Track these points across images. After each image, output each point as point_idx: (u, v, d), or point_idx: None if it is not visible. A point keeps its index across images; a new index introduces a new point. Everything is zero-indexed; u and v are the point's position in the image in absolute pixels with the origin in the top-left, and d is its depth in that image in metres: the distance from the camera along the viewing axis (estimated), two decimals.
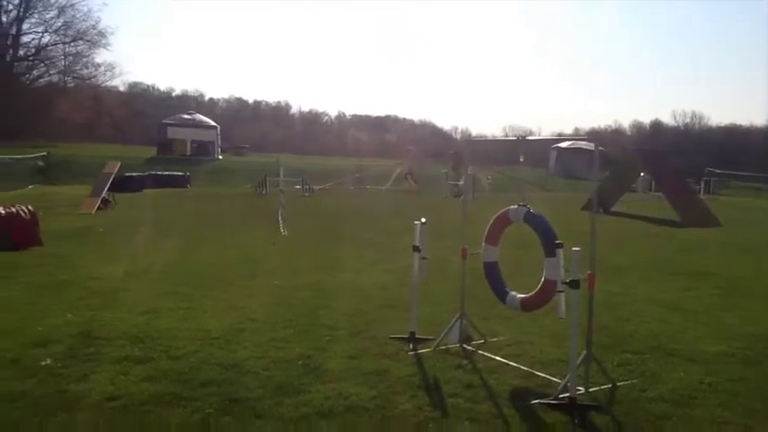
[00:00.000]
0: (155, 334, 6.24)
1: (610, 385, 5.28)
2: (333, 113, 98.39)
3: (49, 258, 10.07)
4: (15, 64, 59.80)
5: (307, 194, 25.49)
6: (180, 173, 29.13)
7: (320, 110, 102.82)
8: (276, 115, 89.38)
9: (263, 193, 25.18)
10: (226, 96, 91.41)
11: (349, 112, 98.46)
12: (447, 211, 19.52)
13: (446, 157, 32.21)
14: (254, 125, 78.20)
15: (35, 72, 61.60)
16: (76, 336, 6.10)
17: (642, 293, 8.94)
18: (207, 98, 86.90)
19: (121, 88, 75.28)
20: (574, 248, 4.78)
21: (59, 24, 59.36)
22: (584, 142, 47.22)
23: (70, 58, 61.57)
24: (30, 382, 4.90)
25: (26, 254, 10.34)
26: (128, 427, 4.23)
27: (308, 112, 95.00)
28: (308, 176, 27.18)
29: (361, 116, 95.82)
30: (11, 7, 58.08)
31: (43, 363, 5.33)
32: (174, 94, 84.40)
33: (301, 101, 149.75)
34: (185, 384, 4.97)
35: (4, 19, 58.26)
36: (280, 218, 14.69)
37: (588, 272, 5.14)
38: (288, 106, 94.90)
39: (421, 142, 62.14)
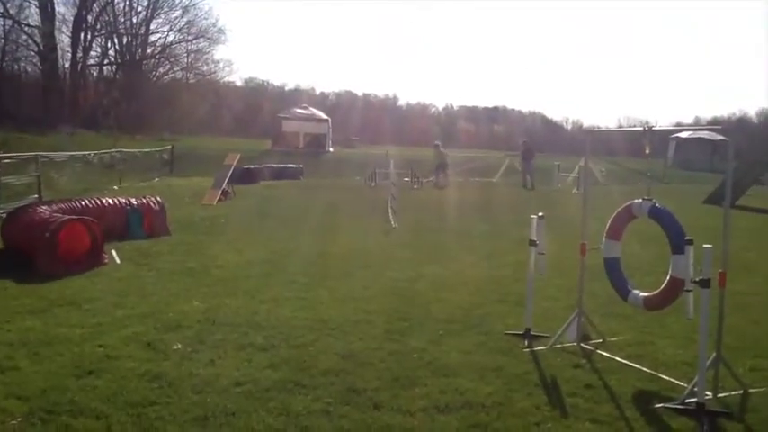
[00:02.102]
0: (275, 322, 6.49)
1: (741, 391, 4.99)
2: (440, 105, 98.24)
3: (177, 247, 10.66)
4: (144, 62, 63.63)
5: (416, 187, 25.57)
6: (294, 165, 30.01)
7: (427, 102, 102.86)
8: (384, 107, 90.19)
9: (373, 185, 25.51)
10: (336, 90, 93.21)
11: (457, 104, 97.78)
12: (562, 205, 19.08)
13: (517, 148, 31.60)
14: (363, 117, 79.31)
15: (161, 69, 65.25)
16: (204, 322, 6.44)
17: None
18: (318, 92, 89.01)
19: (238, 83, 78.55)
20: (705, 245, 4.54)
21: (183, 23, 62.59)
22: (705, 132, 44.69)
23: (192, 55, 64.70)
24: (164, 365, 5.23)
25: (156, 242, 10.99)
26: (253, 412, 4.42)
27: (415, 104, 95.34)
28: (417, 168, 27.26)
29: (468, 107, 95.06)
30: (140, 9, 61.92)
31: (174, 347, 5.66)
32: (287, 89, 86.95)
33: (409, 93, 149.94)
34: (305, 373, 5.14)
35: (134, 20, 62.11)
36: (390, 210, 14.83)
37: (720, 270, 4.87)
38: (396, 98, 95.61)
39: (530, 133, 60.77)
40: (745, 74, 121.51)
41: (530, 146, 28.89)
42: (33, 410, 4.33)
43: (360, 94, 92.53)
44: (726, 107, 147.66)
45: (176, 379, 4.92)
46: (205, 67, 65.61)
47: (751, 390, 5.01)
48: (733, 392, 4.97)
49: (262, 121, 62.58)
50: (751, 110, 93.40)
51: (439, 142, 29.59)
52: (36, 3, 53.89)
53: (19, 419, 4.22)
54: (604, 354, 5.84)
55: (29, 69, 59.30)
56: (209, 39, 63.23)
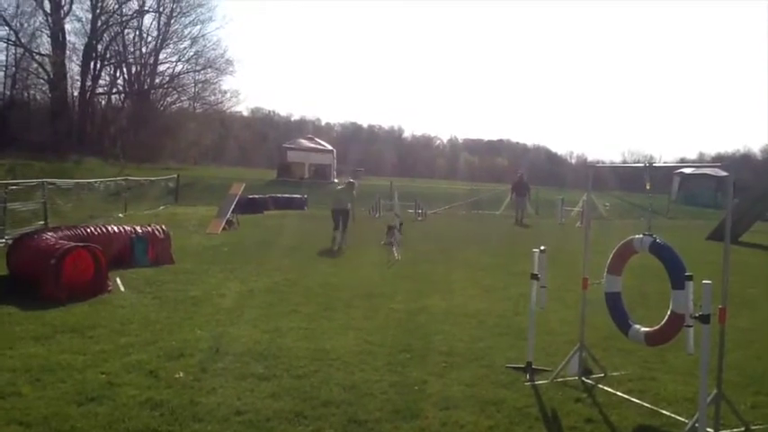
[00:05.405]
0: (277, 352, 6.50)
1: (743, 429, 4.97)
2: (445, 138, 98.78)
3: (181, 275, 10.71)
4: (152, 92, 64.29)
5: (420, 218, 25.63)
6: (298, 195, 30.15)
7: (432, 134, 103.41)
8: (389, 139, 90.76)
9: (377, 216, 25.57)
10: (341, 121, 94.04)
11: (461, 137, 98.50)
12: (565, 238, 19.11)
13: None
14: (368, 149, 79.77)
15: (168, 99, 65.85)
16: (206, 351, 6.46)
17: None
18: (323, 123, 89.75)
19: (245, 113, 79.24)
20: (704, 281, 4.57)
21: (191, 54, 63.33)
22: (709, 168, 44.84)
23: (200, 85, 65.36)
24: (166, 393, 5.24)
25: (160, 270, 11.04)
26: None
27: (420, 136, 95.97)
28: (421, 200, 27.33)
29: (473, 140, 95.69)
30: (150, 39, 62.76)
31: (177, 375, 5.68)
32: (293, 119, 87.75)
33: (414, 125, 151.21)
34: (307, 403, 5.15)
35: (143, 50, 62.92)
36: (394, 241, 14.86)
37: (720, 306, 4.89)
38: (401, 130, 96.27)
39: (534, 166, 61.15)
40: (750, 111, 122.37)
41: (524, 179, 28.11)
42: None
43: (365, 125, 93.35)
44: (730, 143, 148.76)
45: (178, 407, 4.94)
46: (212, 97, 66.18)
47: (753, 427, 4.99)
48: (734, 429, 4.96)
49: (267, 150, 62.98)
50: (755, 146, 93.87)
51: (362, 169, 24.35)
52: (48, 32, 54.75)
53: None
54: (605, 388, 5.84)
55: (38, 97, 59.93)
56: (216, 69, 63.86)
